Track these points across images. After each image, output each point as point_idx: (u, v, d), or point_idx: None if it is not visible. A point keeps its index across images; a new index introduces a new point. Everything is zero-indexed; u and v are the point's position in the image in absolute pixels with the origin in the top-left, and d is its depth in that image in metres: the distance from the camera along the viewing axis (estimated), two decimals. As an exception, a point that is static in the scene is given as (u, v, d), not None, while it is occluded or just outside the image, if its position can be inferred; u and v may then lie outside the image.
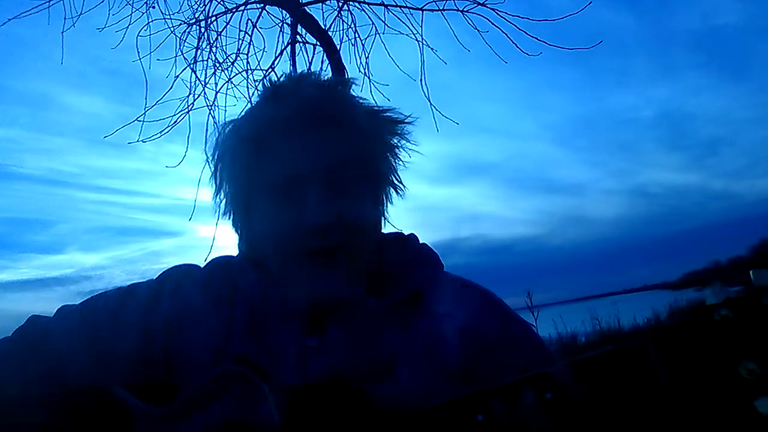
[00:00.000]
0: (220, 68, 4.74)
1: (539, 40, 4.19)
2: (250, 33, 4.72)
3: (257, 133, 0.89)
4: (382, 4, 4.59)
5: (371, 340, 0.84)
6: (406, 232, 0.99)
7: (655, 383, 0.55)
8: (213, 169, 0.95)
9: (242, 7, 4.73)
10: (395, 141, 0.94)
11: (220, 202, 0.96)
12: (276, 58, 4.71)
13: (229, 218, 0.96)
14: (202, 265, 1.01)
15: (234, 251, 1.00)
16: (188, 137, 4.60)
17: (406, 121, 0.94)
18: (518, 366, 0.80)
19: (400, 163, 0.96)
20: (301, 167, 0.86)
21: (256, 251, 0.93)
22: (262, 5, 4.71)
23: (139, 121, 4.57)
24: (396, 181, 0.96)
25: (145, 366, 0.90)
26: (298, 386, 0.79)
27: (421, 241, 0.99)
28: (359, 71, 4.65)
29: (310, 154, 0.86)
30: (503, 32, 4.27)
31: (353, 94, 0.94)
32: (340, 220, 0.84)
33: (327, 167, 0.86)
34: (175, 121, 4.66)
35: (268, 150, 0.88)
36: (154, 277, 1.00)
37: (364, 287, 0.88)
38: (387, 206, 0.96)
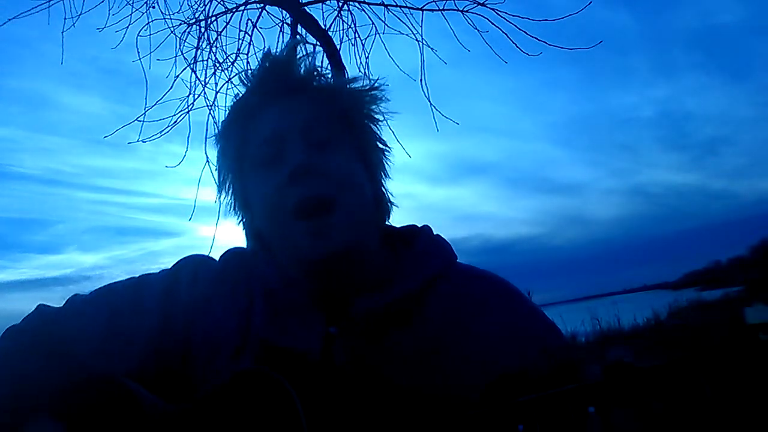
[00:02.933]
0: (220, 68, 4.75)
1: (539, 40, 4.19)
2: (250, 33, 4.72)
3: (239, 111, 0.93)
4: (382, 4, 4.58)
5: (391, 329, 0.84)
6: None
7: (701, 401, 0.53)
8: (216, 161, 0.97)
9: (242, 7, 4.73)
10: (371, 105, 0.95)
11: (225, 193, 0.96)
12: (276, 58, 4.68)
13: (234, 209, 0.96)
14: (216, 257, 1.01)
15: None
16: (188, 137, 4.61)
17: (375, 86, 0.95)
18: (535, 354, 0.80)
19: (381, 127, 0.96)
20: (280, 127, 0.88)
21: (259, 234, 0.93)
22: (262, 5, 4.70)
23: (139, 121, 4.56)
24: (381, 145, 0.96)
25: (162, 354, 0.89)
26: (323, 373, 0.79)
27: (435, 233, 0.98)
28: (359, 71, 4.65)
29: (286, 115, 0.89)
30: (503, 32, 4.27)
31: (317, 63, 0.96)
32: (320, 168, 0.84)
33: (305, 122, 0.88)
34: (175, 121, 4.66)
35: (250, 125, 0.91)
36: (168, 267, 0.99)
37: (366, 244, 0.88)
38: (382, 176, 0.96)
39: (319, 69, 0.95)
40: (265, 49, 0.96)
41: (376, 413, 0.72)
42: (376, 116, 0.96)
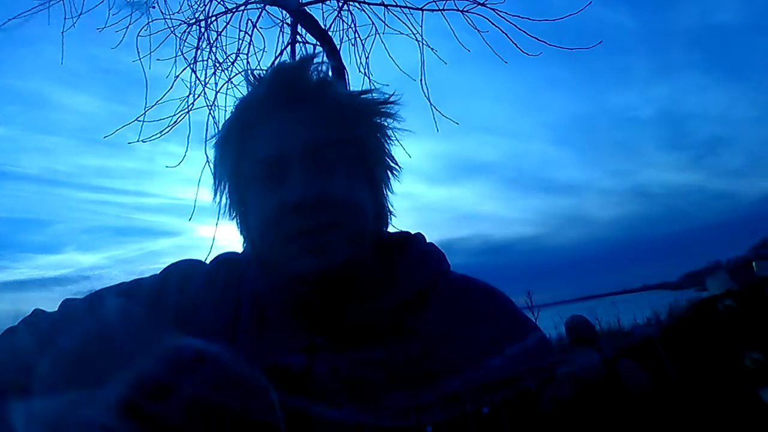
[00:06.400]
0: (220, 68, 4.74)
1: (539, 40, 4.20)
2: (250, 33, 4.72)
3: (241, 117, 0.90)
4: (382, 4, 4.59)
5: (378, 341, 0.83)
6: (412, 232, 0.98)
7: (663, 377, 0.55)
8: (212, 166, 0.95)
9: (242, 7, 4.74)
10: (383, 121, 0.92)
11: (221, 197, 0.94)
12: (276, 58, 4.70)
13: (230, 215, 0.95)
14: (206, 261, 1.01)
15: (237, 249, 0.99)
16: (188, 137, 4.59)
17: (390, 100, 0.93)
18: (526, 367, 0.80)
19: (392, 143, 0.94)
20: (282, 146, 0.85)
21: (253, 244, 0.92)
22: (262, 5, 4.71)
23: (139, 121, 4.57)
24: (390, 163, 0.94)
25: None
26: (304, 384, 0.79)
27: (427, 241, 0.97)
28: (359, 71, 4.66)
29: (289, 132, 0.86)
30: (503, 32, 4.27)
31: (330, 75, 0.93)
32: (323, 198, 0.82)
33: (308, 144, 0.85)
34: (175, 121, 4.65)
35: (252, 133, 0.88)
36: (158, 272, 0.99)
37: (360, 270, 0.86)
38: (386, 192, 0.94)
39: (332, 80, 0.92)
40: (275, 56, 0.93)
41: (352, 424, 0.73)
42: (387, 131, 0.93)
